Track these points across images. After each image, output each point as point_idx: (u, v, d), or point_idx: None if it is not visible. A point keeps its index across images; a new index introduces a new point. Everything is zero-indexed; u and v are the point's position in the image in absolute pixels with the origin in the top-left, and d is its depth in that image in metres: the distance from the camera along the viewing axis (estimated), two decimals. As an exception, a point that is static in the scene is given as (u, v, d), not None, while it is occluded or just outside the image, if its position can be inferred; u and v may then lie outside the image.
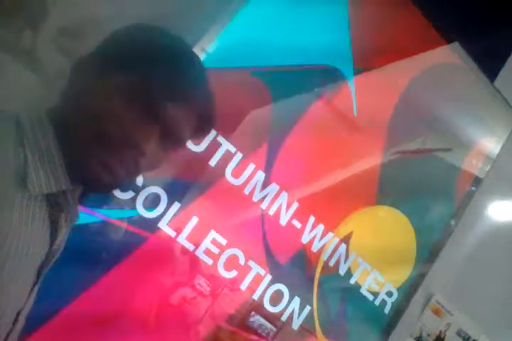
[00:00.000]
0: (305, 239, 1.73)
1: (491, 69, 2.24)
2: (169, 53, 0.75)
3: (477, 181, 2.33)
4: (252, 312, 1.60)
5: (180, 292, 1.43)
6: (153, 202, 1.37)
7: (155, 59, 0.73)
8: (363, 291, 1.95)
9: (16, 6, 1.41)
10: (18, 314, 0.74)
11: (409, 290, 2.13)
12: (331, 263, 1.83)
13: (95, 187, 0.74)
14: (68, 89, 0.76)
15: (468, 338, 2.27)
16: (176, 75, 0.72)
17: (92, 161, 0.70)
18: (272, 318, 1.66)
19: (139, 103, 0.70)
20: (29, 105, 0.85)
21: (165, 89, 0.71)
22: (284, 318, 1.67)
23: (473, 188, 2.33)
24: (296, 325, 1.71)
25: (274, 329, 1.65)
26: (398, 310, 2.07)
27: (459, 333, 2.25)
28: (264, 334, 1.62)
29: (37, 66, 1.42)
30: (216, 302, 1.50)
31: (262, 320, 1.61)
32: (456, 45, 2.03)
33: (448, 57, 2.07)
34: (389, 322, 2.05)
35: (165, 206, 1.40)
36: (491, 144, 2.36)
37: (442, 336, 2.20)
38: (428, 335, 2.17)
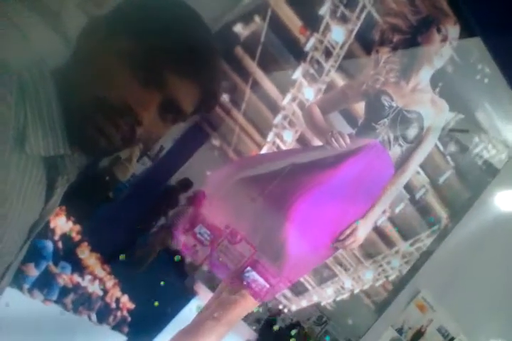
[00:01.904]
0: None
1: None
2: (181, 24, 0.73)
3: (494, 172, 2.29)
4: (248, 268, 1.64)
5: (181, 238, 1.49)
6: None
7: (165, 28, 0.71)
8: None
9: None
10: (8, 268, 0.76)
11: (398, 284, 2.15)
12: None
13: (91, 150, 0.74)
14: (75, 50, 0.75)
15: (448, 335, 2.30)
16: (184, 46, 0.71)
17: (89, 124, 0.69)
18: (267, 275, 1.69)
19: (142, 70, 0.69)
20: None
21: (170, 59, 0.70)
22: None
23: (488, 179, 2.30)
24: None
25: (267, 285, 1.69)
26: (385, 301, 2.09)
27: (439, 329, 2.28)
28: (257, 289, 1.66)
29: (62, 29, 1.45)
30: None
31: (256, 276, 1.65)
32: (478, 40, 1.99)
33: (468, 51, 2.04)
34: (374, 314, 2.08)
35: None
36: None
37: (423, 330, 2.23)
38: (409, 328, 2.20)
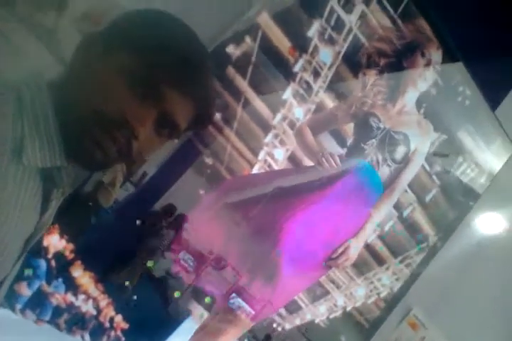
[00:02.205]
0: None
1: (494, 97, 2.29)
2: (178, 40, 0.75)
3: (475, 196, 2.36)
4: (233, 294, 1.64)
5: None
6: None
7: (162, 44, 0.73)
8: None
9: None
10: (3, 281, 0.76)
11: (390, 302, 2.17)
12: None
13: (87, 164, 0.74)
14: (72, 64, 0.76)
15: (440, 353, 2.30)
16: (180, 63, 0.72)
17: (86, 137, 0.70)
18: (252, 301, 1.70)
19: (139, 85, 0.70)
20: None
21: (167, 75, 0.71)
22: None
23: (470, 203, 2.37)
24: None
25: (253, 312, 1.69)
26: (377, 320, 2.10)
27: (431, 347, 2.28)
28: (243, 316, 1.65)
29: (56, 46, 1.50)
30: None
31: (242, 303, 1.65)
32: (460, 65, 2.08)
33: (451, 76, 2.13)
34: (367, 332, 2.09)
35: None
36: (492, 162, 2.40)
37: (415, 348, 2.23)
38: (402, 346, 2.20)
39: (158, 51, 0.72)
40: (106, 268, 1.70)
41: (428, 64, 2.04)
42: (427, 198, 2.24)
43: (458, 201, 2.36)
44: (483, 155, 2.36)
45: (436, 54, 2.05)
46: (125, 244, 1.67)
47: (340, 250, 2.06)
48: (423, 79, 2.06)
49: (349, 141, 2.02)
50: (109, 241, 1.68)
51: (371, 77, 1.95)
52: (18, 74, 0.77)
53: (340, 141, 2.01)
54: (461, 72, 2.11)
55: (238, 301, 1.65)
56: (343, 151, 2.03)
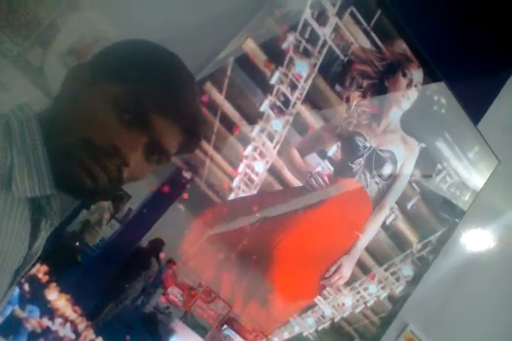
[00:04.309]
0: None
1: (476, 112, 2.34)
2: (161, 68, 0.76)
3: (460, 214, 2.41)
4: (225, 326, 1.64)
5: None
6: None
7: (147, 72, 0.74)
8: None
9: (28, 25, 1.49)
10: None
11: (386, 319, 2.18)
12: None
13: (77, 193, 0.74)
14: (60, 94, 0.77)
15: (438, 368, 2.31)
16: (166, 89, 0.73)
17: (76, 166, 0.70)
18: (244, 332, 1.70)
19: (126, 113, 0.71)
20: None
21: (153, 102, 0.72)
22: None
23: (456, 220, 2.41)
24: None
25: None
26: (374, 337, 2.11)
27: (429, 363, 2.29)
28: None
29: (43, 82, 1.50)
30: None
31: (234, 334, 1.65)
32: (442, 84, 2.14)
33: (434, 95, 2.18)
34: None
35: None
36: (475, 179, 2.45)
37: (414, 364, 2.24)
38: (401, 362, 2.21)
39: (143, 79, 0.73)
40: (92, 305, 1.67)
41: (410, 83, 2.09)
42: (409, 206, 2.28)
43: (443, 215, 2.40)
44: (466, 170, 2.41)
45: (417, 73, 2.10)
46: (112, 280, 1.65)
47: (333, 269, 2.08)
48: (406, 98, 2.10)
49: (336, 161, 2.05)
50: (95, 279, 1.65)
51: (355, 98, 1.99)
52: (5, 106, 0.77)
53: (329, 160, 2.03)
54: (440, 87, 2.16)
55: (230, 332, 1.65)
56: (331, 171, 2.05)
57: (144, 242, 1.61)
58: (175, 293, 1.50)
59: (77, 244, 1.58)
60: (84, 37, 1.57)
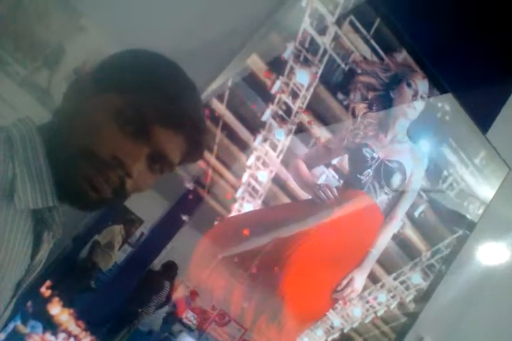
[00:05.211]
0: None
1: (484, 121, 2.33)
2: (162, 78, 0.75)
3: (471, 225, 2.38)
4: None
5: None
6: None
7: (149, 82, 0.73)
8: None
9: (35, 48, 1.52)
10: None
11: (400, 332, 2.14)
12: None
13: (81, 204, 0.74)
14: (62, 106, 0.77)
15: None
16: (167, 100, 0.73)
17: (79, 178, 0.70)
18: None
19: (129, 124, 0.71)
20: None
21: (155, 113, 0.72)
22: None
23: (467, 232, 2.38)
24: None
25: None
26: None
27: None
28: None
29: (51, 103, 1.53)
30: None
31: None
32: (448, 95, 2.13)
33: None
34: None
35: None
36: (483, 186, 2.43)
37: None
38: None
39: (144, 90, 0.73)
40: (105, 330, 1.65)
41: (415, 94, 2.09)
42: (416, 214, 2.26)
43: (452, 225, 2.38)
44: (472, 176, 2.39)
45: (422, 84, 2.10)
46: (125, 305, 1.64)
47: (344, 282, 2.06)
48: (412, 108, 2.10)
49: (345, 173, 2.04)
50: (108, 304, 1.64)
51: (361, 110, 1.99)
52: (8, 120, 0.77)
53: (337, 173, 2.02)
54: (446, 97, 2.16)
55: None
56: (340, 183, 2.05)
57: (157, 265, 1.59)
58: (189, 317, 1.49)
59: (89, 265, 1.57)
60: (90, 58, 1.59)
